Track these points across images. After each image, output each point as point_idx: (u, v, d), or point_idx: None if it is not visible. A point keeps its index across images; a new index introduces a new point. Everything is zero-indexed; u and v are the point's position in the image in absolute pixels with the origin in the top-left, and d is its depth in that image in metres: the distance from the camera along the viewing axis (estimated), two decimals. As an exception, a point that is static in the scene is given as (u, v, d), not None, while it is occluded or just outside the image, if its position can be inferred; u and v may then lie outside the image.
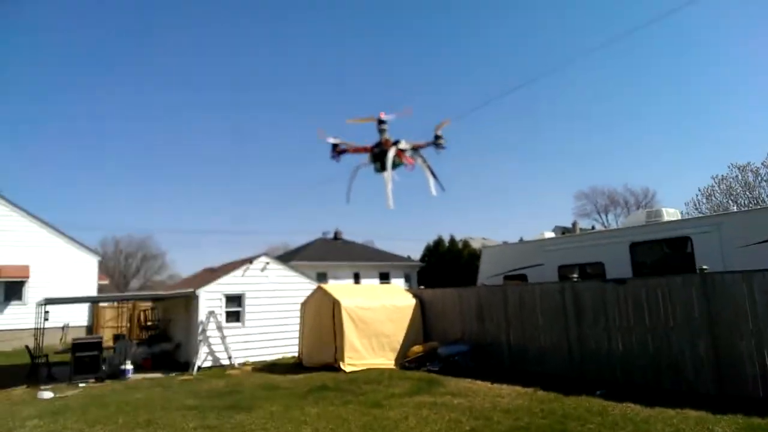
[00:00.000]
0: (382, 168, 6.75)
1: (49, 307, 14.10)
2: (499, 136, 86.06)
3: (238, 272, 14.97)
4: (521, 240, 20.82)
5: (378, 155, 6.87)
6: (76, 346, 13.03)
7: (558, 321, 10.45)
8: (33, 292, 20.87)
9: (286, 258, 30.28)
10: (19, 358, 16.11)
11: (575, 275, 11.69)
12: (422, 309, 13.98)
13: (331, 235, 36.37)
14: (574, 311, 10.12)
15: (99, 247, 50.48)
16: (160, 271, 60.16)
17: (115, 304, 23.39)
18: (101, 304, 22.71)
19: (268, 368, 13.48)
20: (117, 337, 16.24)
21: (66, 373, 12.83)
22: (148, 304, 21.33)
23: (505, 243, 26.80)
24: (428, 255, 39.86)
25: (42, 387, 11.59)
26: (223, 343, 14.19)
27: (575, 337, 10.05)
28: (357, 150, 7.01)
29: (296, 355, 14.52)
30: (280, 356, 14.99)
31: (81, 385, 12.14)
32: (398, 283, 31.06)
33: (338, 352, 12.38)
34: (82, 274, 22.80)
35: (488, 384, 9.86)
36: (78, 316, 22.10)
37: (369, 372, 11.71)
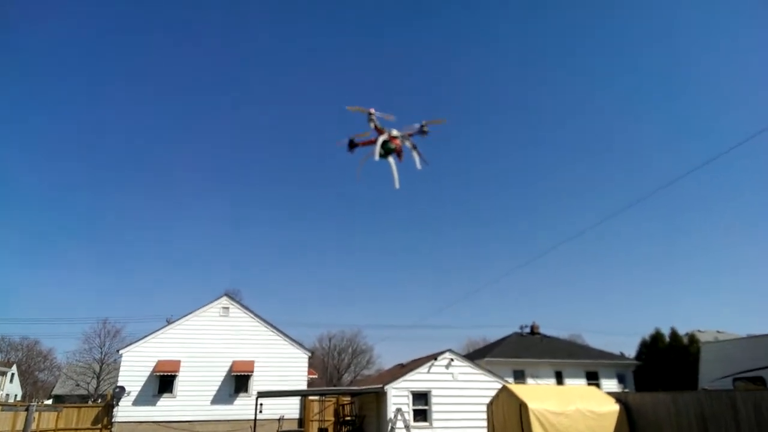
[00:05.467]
0: (383, 154, 8.13)
1: (265, 400, 15.88)
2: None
3: (423, 369, 15.03)
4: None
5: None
6: (281, 438, 14.28)
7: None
8: (256, 385, 23.71)
9: (480, 354, 29.42)
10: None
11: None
12: (628, 417, 12.05)
13: (527, 330, 34.32)
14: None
15: (316, 342, 55.69)
16: (368, 366, 63.15)
17: (320, 397, 25.13)
18: (309, 398, 24.61)
19: (456, 475, 12.80)
20: (319, 431, 17.28)
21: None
22: (348, 399, 22.51)
23: (748, 337, 22.08)
24: (644, 352, 34.67)
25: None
26: (411, 443, 14.05)
27: None
28: (365, 143, 8.32)
29: (486, 461, 13.56)
30: (470, 462, 14.14)
31: (284, 476, 13.07)
32: (610, 385, 27.52)
33: (530, 463, 11.21)
34: (295, 368, 25.19)
35: None
36: (291, 409, 24.12)
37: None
